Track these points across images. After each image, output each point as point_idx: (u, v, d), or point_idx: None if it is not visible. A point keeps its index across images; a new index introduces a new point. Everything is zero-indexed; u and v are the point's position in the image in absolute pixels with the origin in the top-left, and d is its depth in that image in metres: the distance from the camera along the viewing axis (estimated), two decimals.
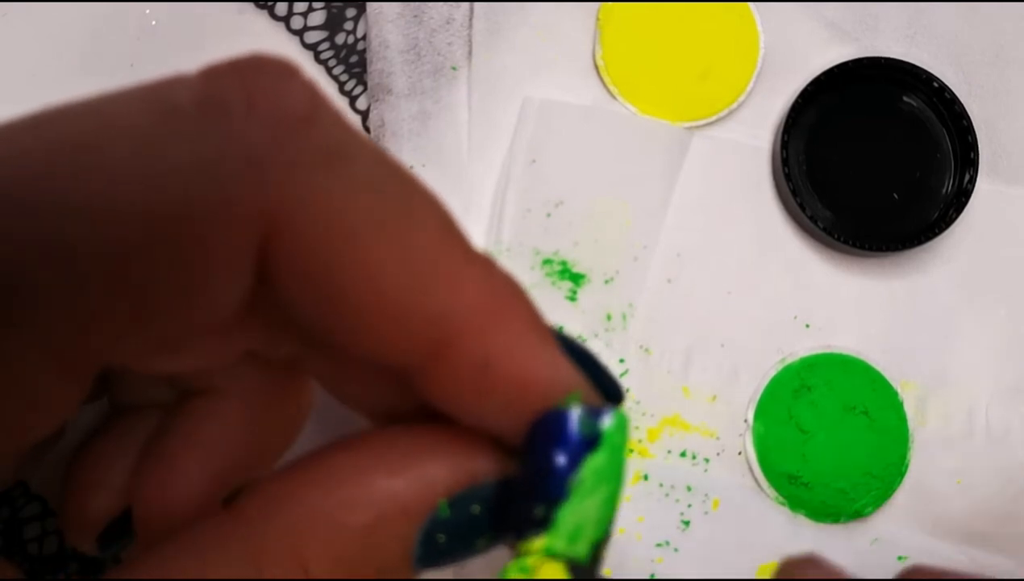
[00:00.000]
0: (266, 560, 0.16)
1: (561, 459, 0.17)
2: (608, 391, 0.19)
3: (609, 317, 0.32)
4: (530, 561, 0.17)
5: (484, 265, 0.17)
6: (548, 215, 0.32)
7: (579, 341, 0.20)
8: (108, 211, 0.14)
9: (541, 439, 0.17)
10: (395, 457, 0.17)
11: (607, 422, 0.17)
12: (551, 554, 0.17)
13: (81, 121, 0.15)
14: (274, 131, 0.15)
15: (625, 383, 0.32)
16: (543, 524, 0.16)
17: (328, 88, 0.34)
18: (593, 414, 0.17)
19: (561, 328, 0.19)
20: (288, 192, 0.15)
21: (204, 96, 0.15)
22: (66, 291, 0.14)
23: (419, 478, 0.17)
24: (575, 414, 0.17)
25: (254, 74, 0.15)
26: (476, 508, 0.17)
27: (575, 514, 0.17)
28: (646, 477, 0.31)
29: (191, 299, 0.16)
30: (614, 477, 0.17)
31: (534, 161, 0.32)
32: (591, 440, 0.17)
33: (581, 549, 0.17)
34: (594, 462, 0.17)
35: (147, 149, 0.15)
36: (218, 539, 0.16)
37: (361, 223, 0.16)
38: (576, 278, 0.32)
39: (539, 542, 0.16)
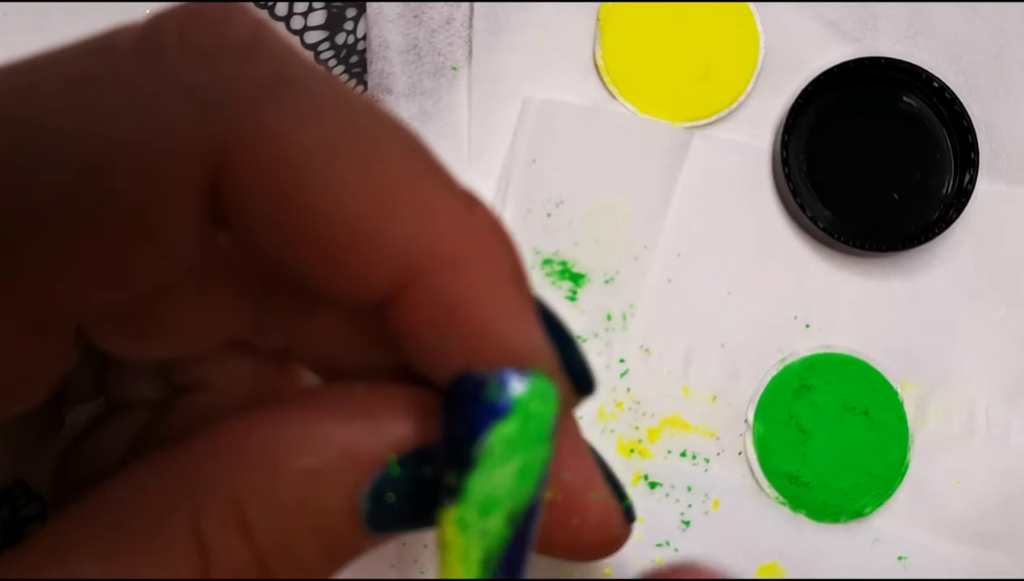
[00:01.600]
0: (204, 495, 0.15)
1: (465, 424, 0.16)
2: (578, 378, 0.18)
3: (609, 317, 0.32)
4: (446, 533, 0.16)
5: (464, 198, 0.16)
6: (548, 215, 0.32)
7: (560, 318, 0.18)
8: (48, 157, 0.14)
9: (454, 402, 0.16)
10: (348, 406, 0.16)
11: (519, 388, 0.16)
12: (462, 525, 0.16)
13: (24, 71, 0.15)
14: (211, 62, 0.14)
15: (625, 383, 0.32)
16: (454, 493, 0.16)
17: None
18: (504, 379, 0.16)
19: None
20: (233, 123, 0.14)
21: (139, 35, 0.15)
22: (19, 243, 0.14)
23: (370, 429, 0.16)
24: (486, 378, 0.16)
25: (192, 11, 0.15)
26: (429, 470, 0.16)
27: (485, 484, 0.16)
28: (646, 477, 0.31)
29: (147, 241, 0.15)
30: (528, 447, 0.16)
31: (534, 161, 0.33)
32: (500, 407, 0.16)
33: (494, 523, 0.16)
34: (503, 430, 0.16)
35: (81, 90, 0.14)
36: (159, 469, 0.16)
37: (314, 148, 0.15)
38: (576, 278, 0.32)
39: (451, 511, 0.16)
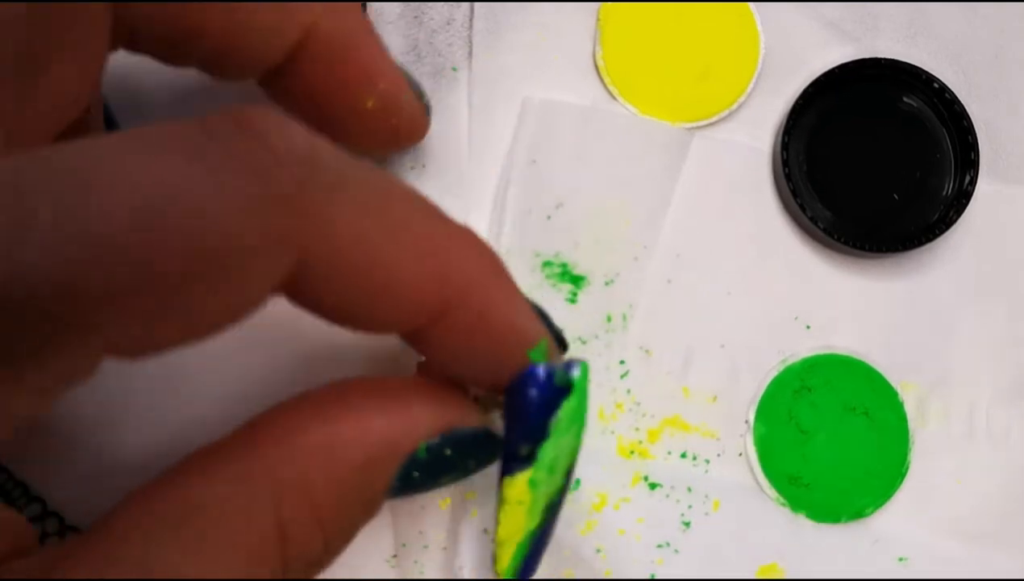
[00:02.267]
0: (281, 486, 0.18)
1: (545, 406, 0.20)
2: (557, 339, 0.23)
3: (609, 318, 0.32)
4: (516, 494, 0.20)
5: (469, 234, 0.20)
6: (548, 217, 0.32)
7: (533, 300, 0.23)
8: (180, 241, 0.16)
9: (526, 390, 0.20)
10: (386, 400, 0.20)
11: (576, 373, 0.20)
12: (533, 485, 0.20)
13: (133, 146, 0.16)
14: (293, 170, 0.17)
15: (625, 384, 0.32)
16: (528, 460, 0.20)
17: None
18: (567, 367, 0.20)
19: None
20: (312, 224, 0.17)
21: (222, 143, 0.17)
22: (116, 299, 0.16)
23: (408, 422, 0.20)
24: (554, 369, 0.20)
25: (254, 120, 0.17)
26: (448, 451, 0.20)
27: (554, 449, 0.20)
28: (646, 478, 0.31)
29: (217, 311, 0.17)
30: (582, 415, 0.21)
31: (534, 161, 0.33)
32: (566, 389, 0.20)
33: (558, 477, 0.20)
34: (568, 406, 0.20)
35: (188, 185, 0.16)
36: (235, 467, 0.18)
37: (371, 234, 0.18)
38: (576, 280, 0.32)
39: (523, 475, 0.20)
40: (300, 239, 0.17)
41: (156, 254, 0.15)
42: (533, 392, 0.20)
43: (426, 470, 0.20)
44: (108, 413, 0.28)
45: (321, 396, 0.20)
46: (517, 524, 0.20)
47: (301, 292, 0.18)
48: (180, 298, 0.16)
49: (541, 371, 0.20)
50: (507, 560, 0.21)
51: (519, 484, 0.20)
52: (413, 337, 0.20)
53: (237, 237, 0.16)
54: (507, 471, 0.20)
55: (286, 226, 0.17)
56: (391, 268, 0.18)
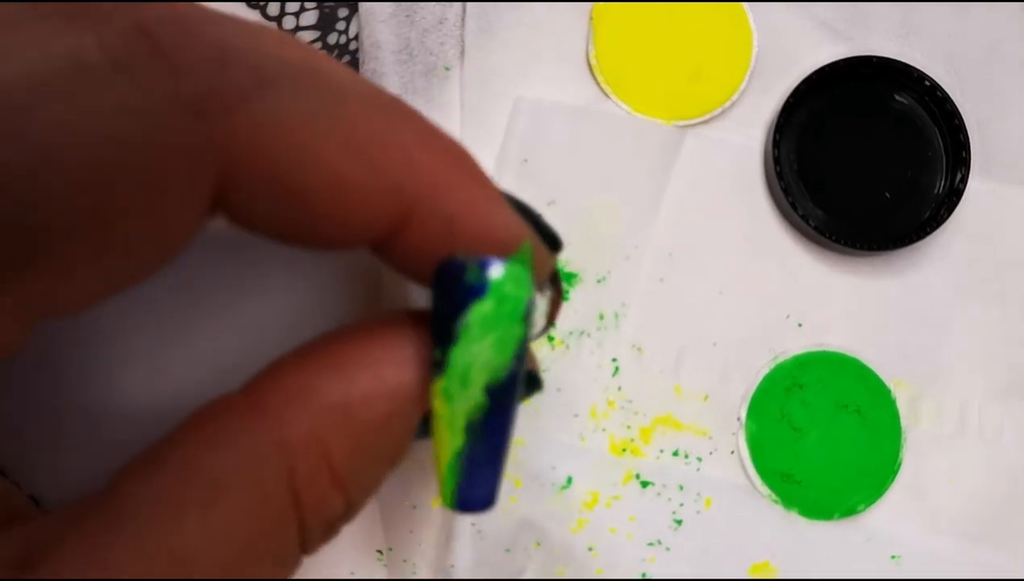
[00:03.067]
0: (294, 450, 0.17)
1: (448, 304, 0.18)
2: (549, 241, 0.21)
3: (601, 316, 0.32)
4: (435, 404, 0.18)
5: (432, 134, 0.18)
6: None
7: (520, 199, 0.22)
8: (50, 159, 0.15)
9: (440, 285, 0.18)
10: (398, 343, 0.18)
11: (495, 273, 0.18)
12: (447, 396, 0.18)
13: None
14: (194, 74, 0.16)
15: (617, 382, 0.32)
16: (440, 366, 0.18)
17: None
18: (482, 264, 0.18)
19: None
20: (230, 125, 0.16)
21: (111, 52, 0.15)
22: (26, 238, 0.15)
23: (425, 365, 0.18)
24: (466, 263, 0.18)
25: (155, 24, 0.16)
26: None
27: (465, 356, 0.18)
28: (638, 476, 0.31)
29: (149, 242, 0.16)
30: (502, 324, 0.18)
31: (525, 161, 0.33)
32: (477, 288, 0.18)
33: (474, 392, 0.18)
34: (480, 309, 0.18)
35: (75, 99, 0.15)
36: (243, 431, 0.17)
37: (305, 135, 0.16)
38: (568, 278, 0.32)
39: (438, 383, 0.18)
40: (215, 148, 0.16)
41: (51, 194, 0.14)
42: (440, 288, 0.18)
43: None
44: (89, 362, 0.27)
45: (327, 347, 0.18)
46: (443, 442, 0.19)
47: (235, 210, 0.17)
48: (96, 236, 0.15)
49: (452, 265, 0.18)
50: (440, 485, 0.19)
51: (436, 394, 0.18)
52: (378, 250, 0.19)
53: (142, 160, 0.15)
54: (432, 377, 0.18)
55: (195, 138, 0.15)
56: (330, 173, 0.17)
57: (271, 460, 0.17)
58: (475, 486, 0.19)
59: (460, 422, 0.18)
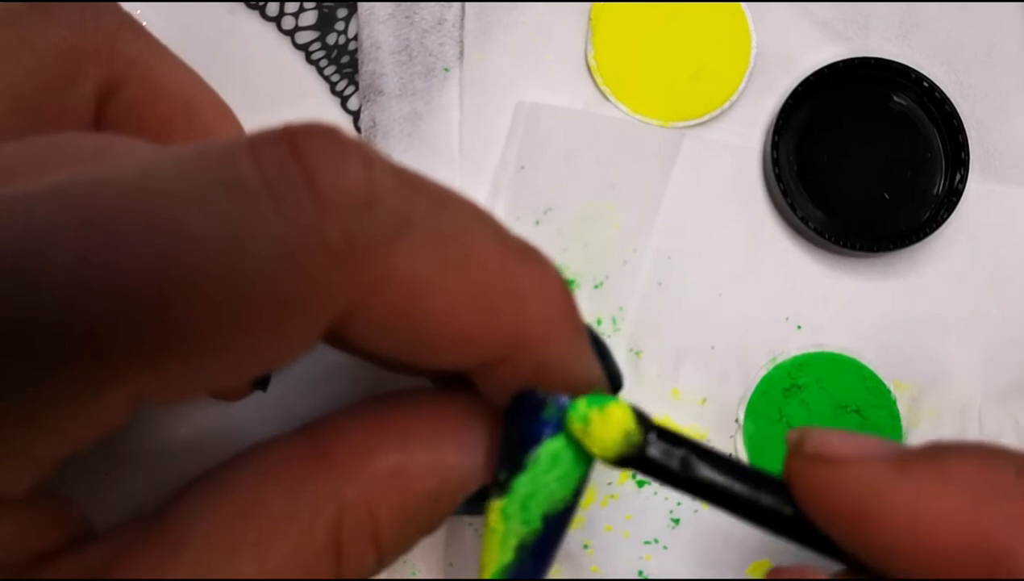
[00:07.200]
0: (347, 506, 0.18)
1: (522, 433, 0.19)
2: (612, 377, 0.22)
3: (600, 321, 0.32)
4: (491, 520, 0.19)
5: (536, 263, 0.19)
6: (537, 222, 0.32)
7: (597, 332, 0.22)
8: (194, 286, 0.15)
9: (515, 415, 0.19)
10: (460, 427, 0.19)
11: (566, 408, 0.19)
12: (505, 516, 0.19)
13: (142, 192, 0.15)
14: (344, 220, 0.16)
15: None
16: (503, 488, 0.19)
17: (319, 88, 0.34)
18: (560, 404, 0.19)
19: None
20: (361, 276, 0.16)
21: (266, 178, 0.15)
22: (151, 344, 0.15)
23: (479, 459, 0.19)
24: (544, 399, 0.19)
25: (310, 152, 0.16)
26: None
27: (528, 485, 0.19)
28: (634, 475, 0.31)
29: (261, 357, 0.16)
30: (569, 461, 0.19)
31: (523, 167, 0.33)
32: (553, 425, 0.19)
33: (532, 517, 0.19)
34: (551, 445, 0.19)
35: (226, 227, 0.15)
36: (305, 479, 0.18)
37: (432, 283, 0.17)
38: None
39: (498, 502, 0.19)
40: (346, 291, 0.16)
41: (183, 300, 0.15)
42: (515, 415, 0.19)
43: (481, 493, 0.20)
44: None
45: (396, 411, 0.19)
46: (492, 552, 0.20)
47: (347, 338, 0.17)
48: (211, 348, 0.15)
49: (532, 399, 0.19)
50: None
51: (494, 510, 0.19)
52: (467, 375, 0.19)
53: (273, 287, 0.15)
54: (491, 493, 0.19)
55: (329, 278, 0.16)
56: (452, 322, 0.17)
57: (325, 512, 0.18)
58: None
59: (512, 541, 0.19)
